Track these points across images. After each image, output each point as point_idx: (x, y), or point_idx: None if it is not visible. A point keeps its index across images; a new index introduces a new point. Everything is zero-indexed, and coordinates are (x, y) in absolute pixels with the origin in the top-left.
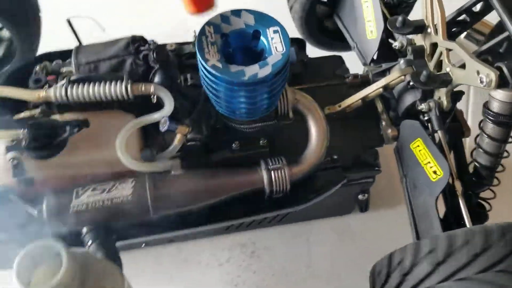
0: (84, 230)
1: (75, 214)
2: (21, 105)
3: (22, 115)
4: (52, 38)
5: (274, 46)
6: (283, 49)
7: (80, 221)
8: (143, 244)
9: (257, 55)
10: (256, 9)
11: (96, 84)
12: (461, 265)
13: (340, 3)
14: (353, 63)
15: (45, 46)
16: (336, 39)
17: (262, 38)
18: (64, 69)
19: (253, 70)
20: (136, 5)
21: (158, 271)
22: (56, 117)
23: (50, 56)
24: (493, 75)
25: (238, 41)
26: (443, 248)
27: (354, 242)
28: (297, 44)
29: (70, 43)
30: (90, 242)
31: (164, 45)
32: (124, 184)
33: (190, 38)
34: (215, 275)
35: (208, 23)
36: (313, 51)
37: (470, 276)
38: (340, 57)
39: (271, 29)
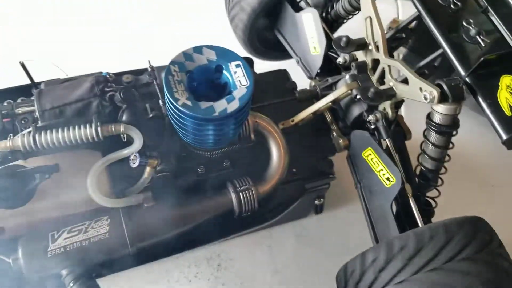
0: (64, 272)
1: (53, 258)
2: None
3: None
4: None
5: (238, 80)
6: (247, 83)
7: (58, 264)
8: None
9: (220, 88)
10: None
11: (65, 129)
12: (430, 257)
13: (281, 19)
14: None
15: None
16: (277, 50)
17: (225, 72)
18: (19, 110)
19: (222, 106)
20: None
21: None
22: (21, 162)
23: None
24: (435, 93)
25: (202, 76)
26: (413, 244)
27: (313, 244)
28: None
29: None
30: (71, 283)
31: (120, 77)
32: (99, 223)
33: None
34: None
35: (173, 63)
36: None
37: (439, 267)
38: (285, 70)
39: (233, 63)
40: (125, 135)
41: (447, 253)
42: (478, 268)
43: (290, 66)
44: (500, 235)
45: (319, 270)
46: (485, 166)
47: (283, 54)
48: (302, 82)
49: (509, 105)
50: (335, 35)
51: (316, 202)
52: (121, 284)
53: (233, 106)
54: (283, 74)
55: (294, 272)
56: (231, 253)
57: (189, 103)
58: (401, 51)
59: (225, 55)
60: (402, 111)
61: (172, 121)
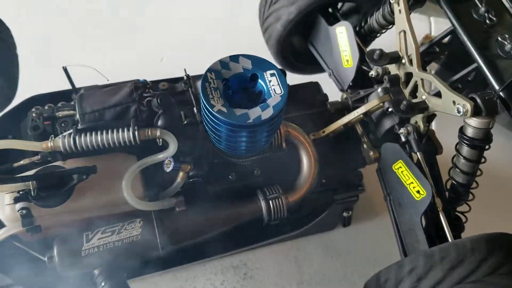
0: (96, 271)
1: (87, 257)
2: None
3: (22, 162)
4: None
5: (273, 88)
6: (281, 91)
7: (92, 264)
8: None
9: (255, 96)
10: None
11: (104, 132)
12: (472, 269)
13: (315, 33)
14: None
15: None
16: (309, 63)
17: (260, 80)
18: (59, 114)
19: (256, 113)
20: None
21: None
22: (59, 163)
23: (37, 100)
24: (469, 106)
25: (237, 84)
26: (454, 255)
27: (340, 256)
28: None
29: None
30: (103, 283)
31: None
32: (132, 224)
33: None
34: None
35: (210, 70)
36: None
37: (480, 279)
38: (317, 83)
39: (268, 72)
40: (160, 140)
41: (489, 266)
42: None
43: (321, 78)
44: None
45: (345, 282)
46: None
47: (314, 67)
48: (334, 94)
49: None
50: (368, 48)
51: (344, 214)
52: None
53: (267, 113)
54: (315, 86)
55: (320, 284)
56: (257, 262)
57: (224, 109)
58: (432, 67)
59: (261, 64)
60: (433, 126)
61: (206, 127)
